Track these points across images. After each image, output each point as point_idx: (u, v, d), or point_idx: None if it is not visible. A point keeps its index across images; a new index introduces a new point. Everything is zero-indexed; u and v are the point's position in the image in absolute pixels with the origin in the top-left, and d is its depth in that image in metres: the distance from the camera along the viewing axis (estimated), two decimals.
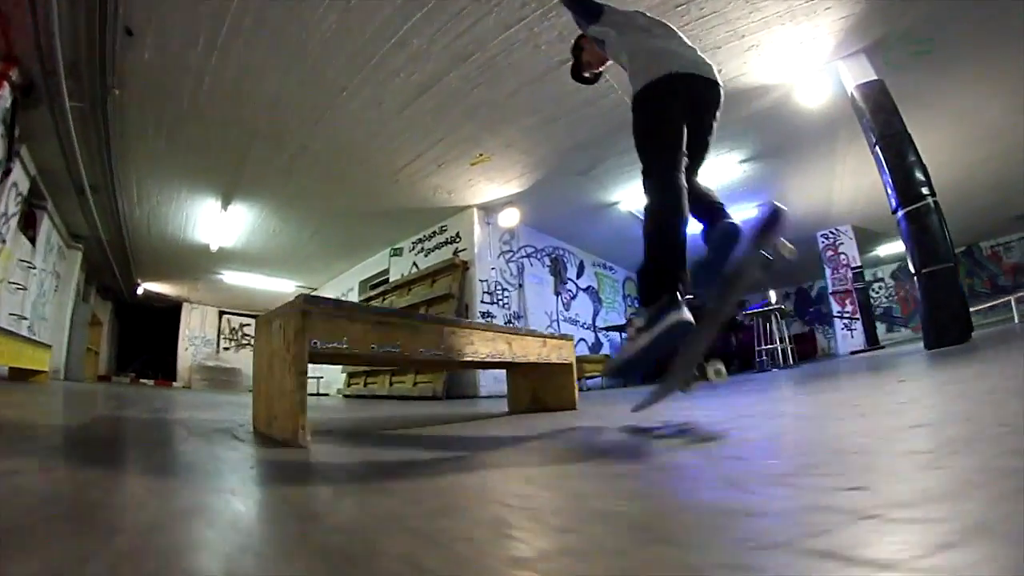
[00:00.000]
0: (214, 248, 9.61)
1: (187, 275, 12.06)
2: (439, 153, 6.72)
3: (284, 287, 13.06)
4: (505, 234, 8.90)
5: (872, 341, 9.76)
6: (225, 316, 15.71)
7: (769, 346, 8.39)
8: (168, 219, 8.34)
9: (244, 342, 16.03)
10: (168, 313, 14.69)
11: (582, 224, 9.30)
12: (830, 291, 10.60)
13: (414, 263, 9.66)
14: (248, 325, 16.17)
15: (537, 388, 3.59)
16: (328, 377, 11.67)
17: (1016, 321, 9.24)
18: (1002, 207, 10.18)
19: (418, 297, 8.40)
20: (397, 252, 10.26)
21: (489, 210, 8.51)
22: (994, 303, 10.98)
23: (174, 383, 13.98)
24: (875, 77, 4.91)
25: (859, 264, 10.48)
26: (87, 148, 6.03)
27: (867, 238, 10.73)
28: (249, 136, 6.15)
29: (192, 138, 6.08)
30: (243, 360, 15.59)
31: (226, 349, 15.55)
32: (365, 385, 9.00)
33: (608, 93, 5.51)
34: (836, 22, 4.62)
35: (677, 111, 2.00)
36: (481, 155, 6.69)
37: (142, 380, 13.67)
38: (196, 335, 14.90)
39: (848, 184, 8.35)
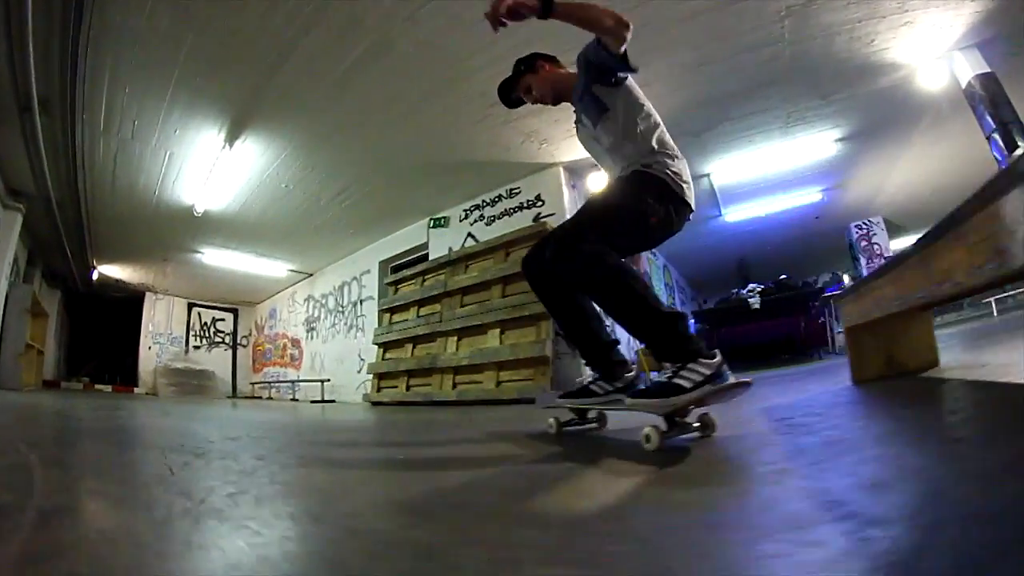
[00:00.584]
0: (199, 211, 7.37)
1: (156, 253, 9.66)
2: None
3: (274, 271, 10.84)
4: None
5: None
6: (196, 309, 13.25)
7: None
8: (143, 162, 6.07)
9: (217, 340, 13.64)
10: (128, 305, 12.16)
11: None
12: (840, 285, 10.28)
13: (469, 234, 7.69)
14: (222, 320, 13.79)
15: (891, 345, 2.75)
16: (340, 379, 9.56)
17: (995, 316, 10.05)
18: None
19: (485, 273, 6.46)
20: (440, 222, 8.23)
21: (574, 171, 6.90)
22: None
23: (136, 389, 11.54)
24: (989, 70, 5.06)
25: (891, 254, 10.14)
26: (45, 29, 3.92)
27: (890, 230, 10.91)
28: (309, 18, 4.09)
29: (217, 14, 4.02)
30: (217, 361, 13.28)
31: (196, 348, 13.11)
32: (408, 389, 6.98)
33: (774, 42, 4.75)
34: (973, 14, 4.65)
35: (656, 238, 2.14)
36: None
37: (98, 386, 11.17)
38: (161, 332, 12.42)
39: (900, 175, 8.46)
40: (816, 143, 6.90)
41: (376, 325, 8.25)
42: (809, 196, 8.89)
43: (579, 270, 1.90)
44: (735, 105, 5.84)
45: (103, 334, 12.17)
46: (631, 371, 2.16)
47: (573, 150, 6.28)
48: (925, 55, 5.20)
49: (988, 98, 5.06)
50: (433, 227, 8.31)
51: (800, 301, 8.11)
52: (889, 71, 5.42)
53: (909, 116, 6.41)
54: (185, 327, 12.95)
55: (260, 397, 12.77)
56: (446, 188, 7.44)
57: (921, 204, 9.77)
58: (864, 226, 10.54)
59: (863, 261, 10.44)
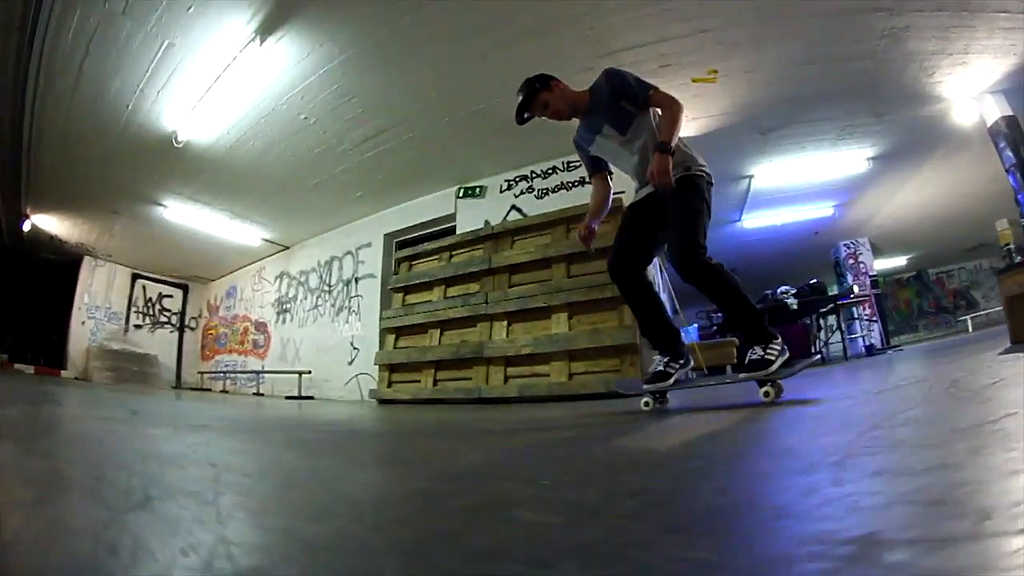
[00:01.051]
0: (180, 140, 5.95)
1: (108, 202, 7.98)
2: (672, 49, 4.78)
3: (247, 238, 9.32)
4: None
5: (887, 342, 10.47)
6: (141, 281, 11.37)
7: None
8: (126, 55, 4.61)
9: (163, 320, 11.77)
10: (61, 271, 10.20)
11: None
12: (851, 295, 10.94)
13: (514, 207, 6.72)
14: (170, 296, 11.94)
15: None
16: (323, 372, 8.15)
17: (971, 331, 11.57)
18: (956, 240, 12.24)
19: (546, 250, 5.51)
20: (473, 192, 7.18)
21: None
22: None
23: (63, 372, 9.62)
24: (1012, 113, 5.74)
25: (875, 272, 11.75)
26: None
27: (873, 251, 11.74)
28: None
29: None
30: (160, 344, 11.45)
31: (138, 328, 11.21)
32: (435, 383, 5.78)
33: (865, 57, 4.96)
34: (1011, 64, 5.20)
35: None
36: (713, 72, 5.10)
37: (17, 366, 9.18)
38: (98, 305, 10.49)
39: (900, 200, 8.96)
40: (852, 158, 7.11)
41: (380, 308, 7.26)
42: (821, 210, 9.01)
43: (706, 279, 2.40)
44: (809, 109, 5.85)
45: (28, 303, 10.11)
46: (686, 356, 2.72)
47: None
48: (964, 93, 5.75)
49: (1011, 137, 5.77)
50: (463, 196, 7.27)
51: (828, 303, 8.91)
52: (934, 102, 5.86)
53: (928, 146, 6.88)
54: (127, 302, 11.04)
55: (209, 389, 11.04)
56: (492, 152, 6.45)
57: (906, 231, 10.84)
58: (852, 245, 11.35)
59: (849, 278, 11.22)
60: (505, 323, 5.57)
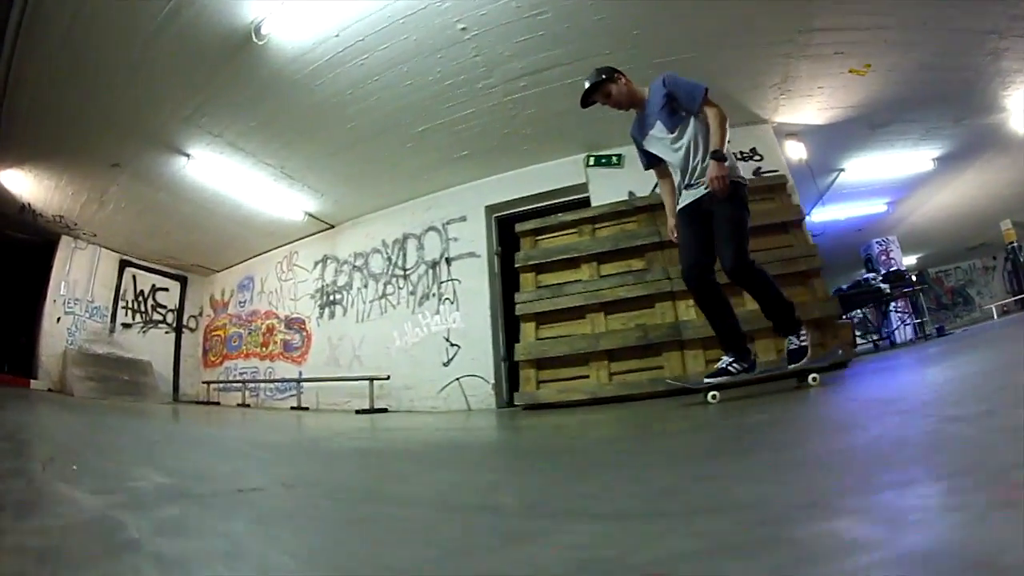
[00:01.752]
0: (262, 35, 4.11)
1: (112, 146, 5.87)
2: (850, 39, 4.77)
3: (286, 210, 7.37)
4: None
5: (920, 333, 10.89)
6: (130, 270, 9.12)
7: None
8: None
9: (157, 318, 9.52)
10: (32, 254, 7.94)
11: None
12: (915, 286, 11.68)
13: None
14: (165, 290, 9.71)
15: None
16: (404, 377, 6.44)
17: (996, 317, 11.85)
18: (961, 239, 12.75)
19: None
20: (608, 160, 6.17)
21: (780, 134, 6.22)
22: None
23: (33, 382, 7.35)
24: None
25: (905, 268, 11.93)
26: None
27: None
28: None
29: None
30: (154, 348, 9.22)
31: (127, 327, 8.96)
32: (611, 378, 4.50)
33: (970, 69, 5.35)
34: None
35: None
36: (867, 66, 5.16)
37: None
38: (78, 298, 8.21)
39: (938, 200, 9.31)
40: (920, 157, 7.27)
41: (491, 294, 6.31)
42: (876, 207, 9.25)
43: (755, 284, 2.78)
44: (911, 109, 6.02)
45: None
46: (753, 357, 2.98)
47: (789, 112, 5.90)
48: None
49: None
50: (593, 165, 6.25)
51: (908, 288, 9.15)
52: (999, 111, 6.21)
53: (981, 149, 7.17)
54: (113, 295, 8.77)
55: (218, 403, 8.90)
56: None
57: (930, 229, 11.19)
58: (883, 243, 11.87)
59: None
60: (688, 302, 4.55)
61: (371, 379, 6.42)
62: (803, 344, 2.74)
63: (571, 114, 4.87)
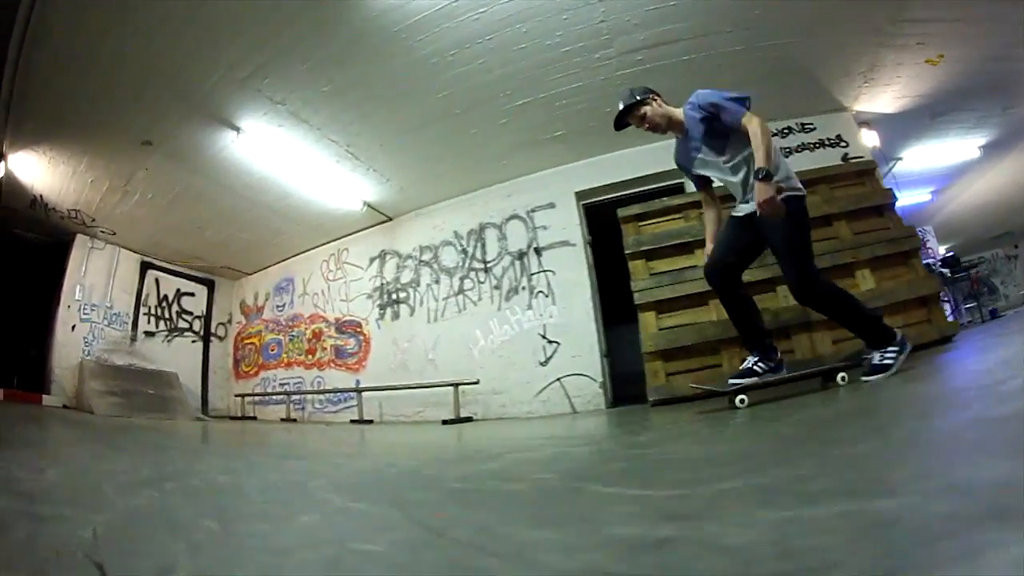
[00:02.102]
0: None
1: (144, 120, 4.89)
2: (934, 31, 4.61)
3: (344, 199, 6.46)
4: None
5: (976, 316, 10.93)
6: (153, 272, 8.12)
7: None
8: None
9: (183, 325, 8.53)
10: (42, 254, 6.92)
11: None
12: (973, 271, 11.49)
13: None
14: (191, 295, 8.71)
15: None
16: (492, 381, 5.62)
17: None
18: (986, 228, 12.63)
19: (813, 209, 3.93)
20: None
21: (859, 122, 6.01)
22: None
23: (46, 397, 6.35)
24: None
25: (940, 258, 12.14)
26: None
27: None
28: None
29: None
30: (180, 359, 8.24)
31: (150, 335, 7.96)
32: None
33: None
34: None
35: None
36: (940, 56, 5.08)
37: None
38: (95, 303, 7.20)
39: (976, 189, 9.15)
40: (968, 145, 7.12)
41: (591, 285, 5.71)
42: (921, 196, 9.06)
43: (824, 304, 2.69)
44: (975, 100, 5.92)
45: None
46: (780, 356, 2.88)
47: (868, 101, 5.71)
48: None
49: None
50: None
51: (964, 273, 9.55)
52: None
53: (1021, 137, 7.01)
54: (135, 300, 7.77)
55: (254, 417, 7.95)
56: None
57: (965, 219, 11.01)
58: (921, 232, 11.41)
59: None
60: None
61: (455, 385, 5.51)
62: (885, 362, 2.53)
63: (673, 95, 4.15)
